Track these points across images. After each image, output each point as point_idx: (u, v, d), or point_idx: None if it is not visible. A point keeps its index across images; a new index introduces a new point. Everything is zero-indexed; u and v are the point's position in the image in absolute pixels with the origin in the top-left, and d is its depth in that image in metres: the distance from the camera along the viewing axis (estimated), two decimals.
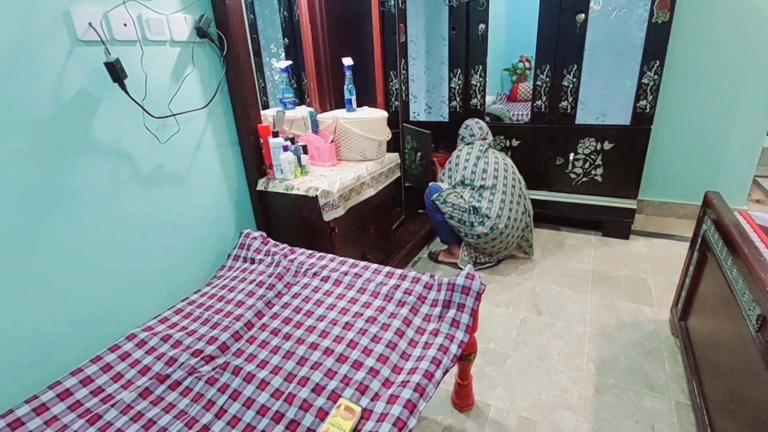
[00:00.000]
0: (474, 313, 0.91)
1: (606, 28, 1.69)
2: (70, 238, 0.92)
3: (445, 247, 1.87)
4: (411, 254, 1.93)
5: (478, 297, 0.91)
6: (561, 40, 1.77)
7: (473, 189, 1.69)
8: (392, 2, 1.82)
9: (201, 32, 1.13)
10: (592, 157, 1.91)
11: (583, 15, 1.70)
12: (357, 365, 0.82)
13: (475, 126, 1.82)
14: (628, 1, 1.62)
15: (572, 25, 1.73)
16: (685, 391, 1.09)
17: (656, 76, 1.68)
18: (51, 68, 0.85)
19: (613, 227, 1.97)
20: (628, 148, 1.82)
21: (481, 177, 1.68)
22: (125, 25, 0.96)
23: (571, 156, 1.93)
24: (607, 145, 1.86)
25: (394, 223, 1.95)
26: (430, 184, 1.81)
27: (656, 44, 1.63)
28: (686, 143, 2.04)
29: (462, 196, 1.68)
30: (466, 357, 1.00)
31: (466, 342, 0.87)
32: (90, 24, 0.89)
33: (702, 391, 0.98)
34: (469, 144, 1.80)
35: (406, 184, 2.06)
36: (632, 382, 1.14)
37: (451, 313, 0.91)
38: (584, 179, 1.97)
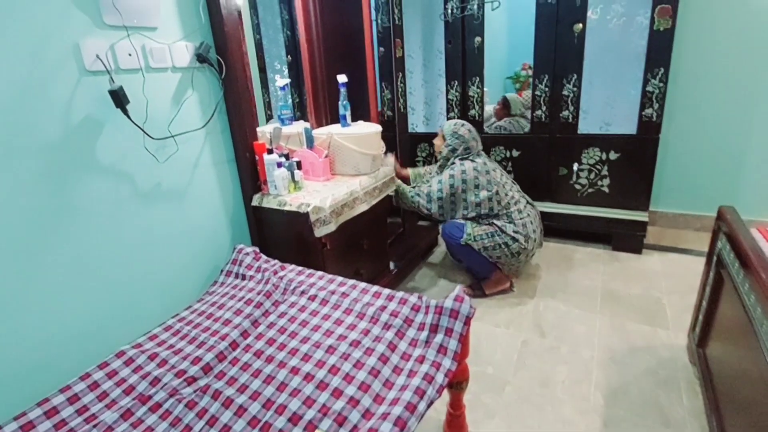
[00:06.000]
0: (463, 339, 0.85)
1: (605, 37, 1.65)
2: (71, 253, 0.95)
3: (483, 279, 1.67)
4: (408, 268, 1.88)
5: (467, 321, 0.86)
6: (559, 49, 1.74)
7: (498, 216, 1.54)
8: (388, 18, 1.85)
9: (201, 58, 1.17)
10: (598, 167, 1.84)
11: (580, 25, 1.67)
12: (337, 393, 0.78)
13: (473, 132, 1.61)
14: (627, 9, 1.58)
15: (570, 35, 1.70)
16: (705, 428, 0.99)
17: (661, 84, 1.61)
18: (60, 96, 0.90)
19: (624, 241, 1.88)
20: (635, 158, 1.75)
21: (504, 197, 1.53)
22: (130, 55, 1.01)
23: (575, 166, 1.86)
24: (613, 155, 1.79)
25: (392, 237, 1.91)
26: (445, 223, 1.62)
27: (659, 51, 1.58)
28: (701, 152, 1.94)
29: (491, 223, 1.53)
30: (457, 385, 0.94)
31: (454, 370, 0.82)
32: (97, 56, 0.94)
33: (722, 428, 0.88)
34: (466, 159, 1.56)
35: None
36: (645, 415, 1.04)
37: (439, 338, 0.86)
38: (590, 190, 1.89)
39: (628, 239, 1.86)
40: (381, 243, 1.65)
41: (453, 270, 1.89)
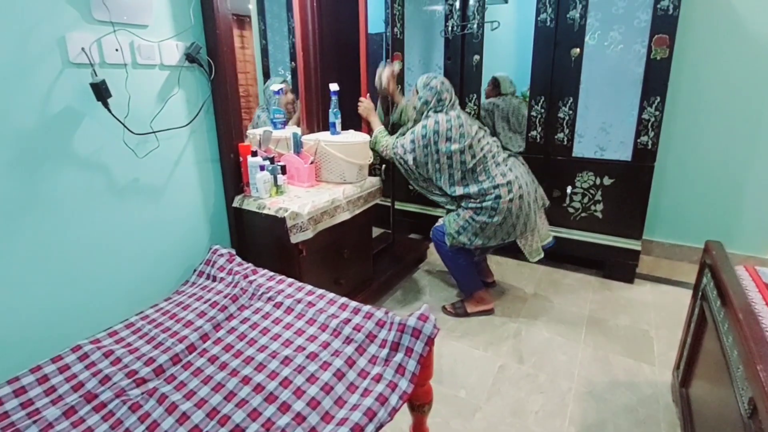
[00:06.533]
0: (423, 360, 0.81)
1: (603, 63, 1.65)
2: (35, 242, 0.93)
3: (465, 296, 1.62)
4: (393, 281, 1.84)
5: (429, 342, 0.82)
6: (556, 73, 1.74)
7: (474, 171, 1.42)
8: (389, 32, 1.88)
9: (191, 58, 1.18)
10: (591, 191, 1.80)
11: (578, 50, 1.67)
12: (284, 408, 0.74)
13: (447, 84, 1.48)
14: (625, 37, 1.58)
15: (567, 59, 1.70)
16: None
17: (657, 112, 1.60)
18: (40, 86, 0.91)
19: (616, 269, 1.82)
20: (629, 185, 1.71)
21: (480, 150, 1.41)
22: (117, 50, 1.02)
23: (569, 189, 1.83)
24: (607, 181, 1.76)
25: (379, 248, 1.88)
26: (432, 229, 1.57)
27: (656, 80, 1.56)
28: (700, 182, 1.90)
29: (469, 205, 1.43)
30: (419, 408, 0.89)
31: (410, 393, 0.77)
32: (82, 49, 0.95)
33: None
34: (440, 111, 1.45)
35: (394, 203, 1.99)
36: None
37: (398, 357, 0.82)
38: (583, 214, 1.85)
39: (619, 267, 1.81)
40: (364, 253, 1.62)
41: (439, 285, 1.85)
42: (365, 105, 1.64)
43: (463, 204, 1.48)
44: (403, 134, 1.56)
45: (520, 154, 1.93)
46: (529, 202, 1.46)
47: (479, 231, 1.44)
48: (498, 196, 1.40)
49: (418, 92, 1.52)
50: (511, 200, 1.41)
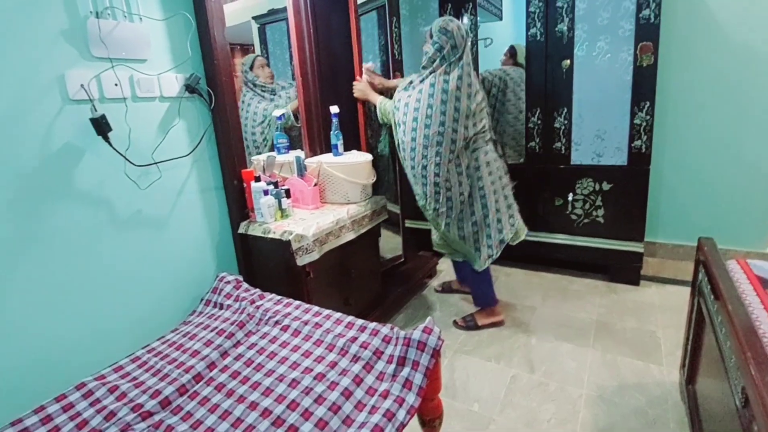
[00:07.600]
0: (429, 373, 0.82)
1: (593, 73, 1.71)
2: (38, 278, 0.93)
3: (477, 309, 1.64)
4: (404, 298, 1.84)
5: (434, 354, 0.83)
6: (549, 84, 1.79)
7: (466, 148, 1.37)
8: (389, 53, 1.95)
9: (190, 88, 1.20)
10: (592, 197, 1.83)
11: (568, 61, 1.73)
12: (291, 431, 0.74)
13: (463, 30, 1.36)
14: (612, 46, 1.64)
15: (559, 71, 1.76)
16: None
17: (648, 117, 1.64)
18: (40, 124, 0.90)
19: (621, 272, 1.82)
20: (627, 188, 1.74)
21: (480, 122, 1.37)
22: (116, 85, 1.03)
23: (570, 196, 1.86)
24: (606, 186, 1.79)
25: (389, 266, 1.88)
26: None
27: (644, 86, 1.62)
28: (696, 182, 1.93)
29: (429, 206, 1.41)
30: (429, 423, 0.89)
31: (417, 407, 0.78)
32: (81, 85, 0.96)
33: None
34: (451, 70, 1.33)
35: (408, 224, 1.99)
36: None
37: (405, 371, 0.83)
38: (585, 220, 1.87)
39: (624, 270, 1.81)
40: (372, 272, 1.62)
41: (450, 300, 1.85)
42: (360, 86, 1.58)
43: (427, 209, 1.45)
44: (406, 89, 1.43)
45: (521, 164, 1.95)
46: (499, 184, 1.45)
47: (449, 217, 1.42)
48: (460, 183, 1.37)
49: (432, 36, 1.39)
50: (480, 187, 1.40)
